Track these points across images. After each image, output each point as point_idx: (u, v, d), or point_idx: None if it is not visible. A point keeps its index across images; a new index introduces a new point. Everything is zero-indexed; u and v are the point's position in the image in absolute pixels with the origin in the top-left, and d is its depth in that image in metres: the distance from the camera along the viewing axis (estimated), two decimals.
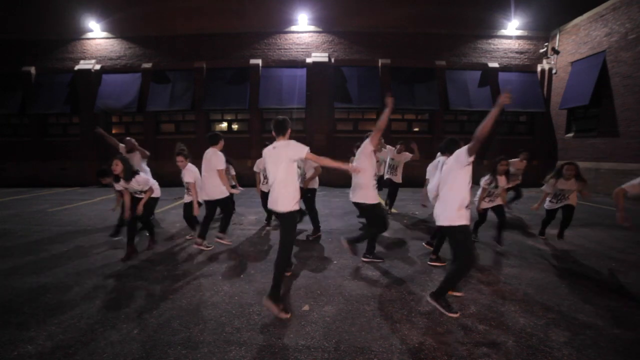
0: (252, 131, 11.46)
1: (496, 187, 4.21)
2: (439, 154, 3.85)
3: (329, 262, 3.84)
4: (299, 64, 11.25)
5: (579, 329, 2.44)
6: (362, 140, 3.70)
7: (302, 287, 3.18)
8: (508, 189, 5.24)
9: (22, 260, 3.84)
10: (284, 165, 2.68)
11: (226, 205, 4.34)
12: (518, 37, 11.45)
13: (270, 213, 5.27)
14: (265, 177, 5.25)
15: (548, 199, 4.58)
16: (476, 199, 4.17)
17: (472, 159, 2.52)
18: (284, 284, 3.23)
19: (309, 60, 11.18)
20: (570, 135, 10.69)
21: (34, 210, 6.96)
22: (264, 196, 4.98)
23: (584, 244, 4.49)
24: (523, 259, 3.98)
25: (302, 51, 11.34)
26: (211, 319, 2.58)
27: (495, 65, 11.34)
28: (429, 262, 3.79)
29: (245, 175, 8.69)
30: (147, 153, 5.44)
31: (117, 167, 3.77)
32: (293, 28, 11.33)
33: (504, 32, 11.41)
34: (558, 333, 2.38)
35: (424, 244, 4.40)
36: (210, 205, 4.32)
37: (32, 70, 11.56)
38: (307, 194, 4.61)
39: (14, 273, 3.49)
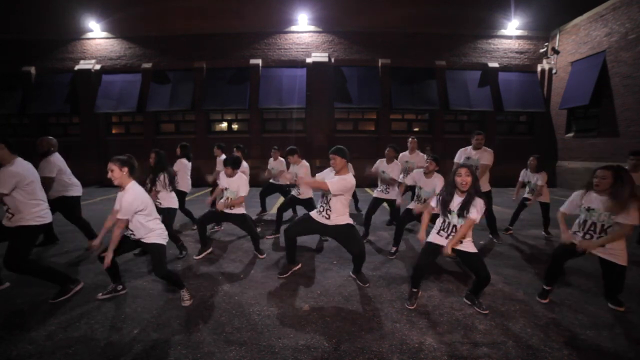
0: (252, 131, 11.46)
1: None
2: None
3: (329, 262, 3.84)
4: (299, 64, 11.25)
5: (579, 329, 2.44)
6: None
7: (302, 287, 3.18)
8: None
9: None
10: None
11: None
12: (518, 37, 11.45)
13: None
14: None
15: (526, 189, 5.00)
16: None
17: None
18: (284, 284, 3.24)
19: (309, 60, 11.18)
20: (570, 135, 10.69)
21: None
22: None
23: None
24: (523, 259, 3.98)
25: (302, 51, 11.34)
26: (211, 319, 2.58)
27: (495, 65, 11.34)
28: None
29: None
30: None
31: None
32: (293, 28, 11.33)
33: (504, 32, 11.41)
34: (558, 333, 2.38)
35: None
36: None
37: (32, 70, 11.56)
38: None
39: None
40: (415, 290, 2.86)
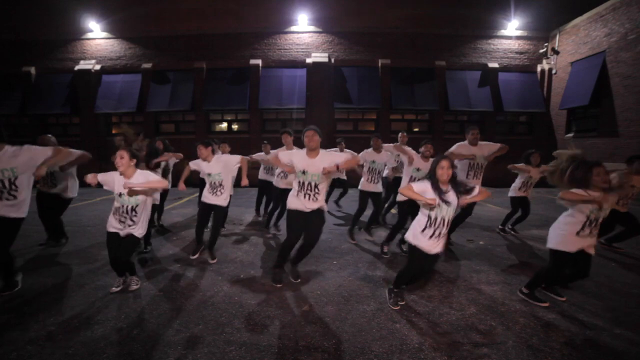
0: (252, 131, 11.46)
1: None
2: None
3: (329, 262, 3.84)
4: (299, 64, 11.26)
5: (579, 329, 2.44)
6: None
7: (302, 287, 3.17)
8: None
9: (22, 260, 3.83)
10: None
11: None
12: (518, 38, 11.46)
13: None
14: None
15: (517, 186, 5.00)
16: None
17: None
18: (284, 285, 3.24)
19: (309, 60, 11.18)
20: (570, 135, 10.69)
21: (33, 210, 6.94)
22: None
23: None
24: (523, 259, 3.98)
25: (302, 51, 11.34)
26: (211, 319, 2.58)
27: (495, 65, 11.34)
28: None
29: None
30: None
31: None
32: (293, 28, 11.34)
33: (503, 32, 11.42)
34: (558, 333, 2.38)
35: None
36: None
37: (32, 70, 11.56)
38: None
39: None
40: (396, 290, 2.80)
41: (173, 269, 3.61)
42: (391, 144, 5.08)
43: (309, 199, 3.07)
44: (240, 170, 3.95)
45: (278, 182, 4.99)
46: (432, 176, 2.59)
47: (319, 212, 3.15)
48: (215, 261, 3.82)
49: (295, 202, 3.13)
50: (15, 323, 2.51)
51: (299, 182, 3.10)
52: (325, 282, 3.29)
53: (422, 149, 4.03)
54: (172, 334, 2.36)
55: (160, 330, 2.41)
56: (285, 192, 4.77)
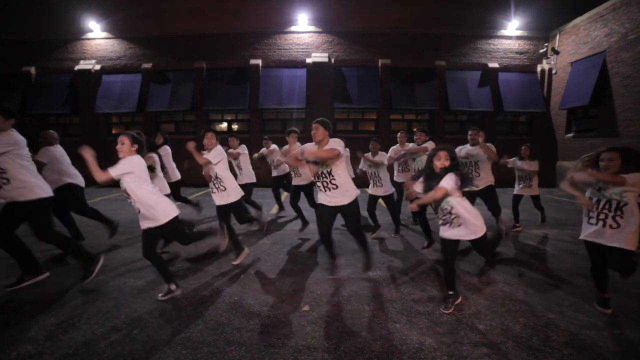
0: (252, 131, 11.46)
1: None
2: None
3: (329, 262, 3.84)
4: (299, 64, 11.26)
5: (579, 329, 2.44)
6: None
7: (302, 287, 3.17)
8: None
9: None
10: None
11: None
12: (518, 38, 11.46)
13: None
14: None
15: (516, 183, 5.23)
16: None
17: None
18: (284, 285, 3.24)
19: (309, 60, 11.18)
20: (570, 135, 10.69)
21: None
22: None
23: None
24: (523, 259, 3.98)
25: (302, 51, 11.34)
26: (211, 319, 2.58)
27: (495, 65, 11.34)
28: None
29: None
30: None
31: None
32: (293, 28, 11.34)
33: (504, 32, 11.42)
34: (558, 333, 2.38)
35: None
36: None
37: (32, 70, 11.56)
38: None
39: (14, 273, 3.48)
40: (451, 292, 2.75)
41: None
42: (394, 147, 5.15)
43: (329, 188, 3.13)
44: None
45: (294, 180, 5.05)
46: (430, 169, 2.64)
47: (347, 205, 3.18)
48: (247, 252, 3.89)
49: (320, 196, 3.27)
50: (15, 323, 2.50)
51: (316, 173, 3.17)
52: (325, 282, 3.29)
53: (415, 138, 4.32)
54: (172, 334, 2.36)
55: (160, 330, 2.41)
56: (300, 188, 4.97)
